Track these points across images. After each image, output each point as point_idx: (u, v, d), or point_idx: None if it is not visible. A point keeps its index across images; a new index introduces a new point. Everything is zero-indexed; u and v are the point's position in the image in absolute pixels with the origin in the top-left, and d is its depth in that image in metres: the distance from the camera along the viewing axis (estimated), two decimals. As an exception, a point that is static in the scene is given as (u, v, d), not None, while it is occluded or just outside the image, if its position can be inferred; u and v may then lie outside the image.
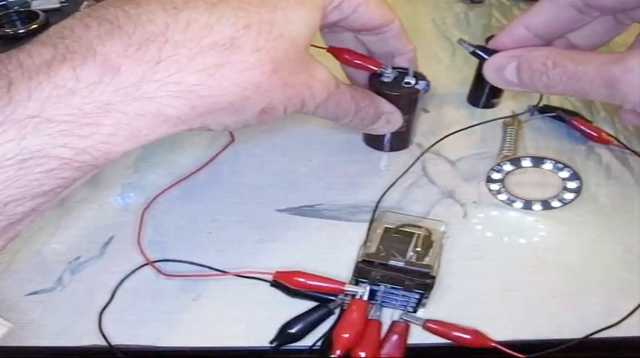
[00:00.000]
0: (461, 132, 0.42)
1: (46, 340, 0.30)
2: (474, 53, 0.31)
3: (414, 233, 0.32)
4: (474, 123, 0.43)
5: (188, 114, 0.23)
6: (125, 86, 0.21)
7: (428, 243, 0.32)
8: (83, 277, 0.33)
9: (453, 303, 0.31)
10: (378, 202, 0.37)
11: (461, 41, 0.32)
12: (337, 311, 0.30)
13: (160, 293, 0.32)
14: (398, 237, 0.32)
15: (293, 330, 0.29)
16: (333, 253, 0.34)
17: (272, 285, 0.32)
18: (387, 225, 0.33)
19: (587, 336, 0.29)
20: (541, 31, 0.29)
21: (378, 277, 0.30)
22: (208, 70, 0.22)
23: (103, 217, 0.37)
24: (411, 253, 0.31)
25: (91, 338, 0.30)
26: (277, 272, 0.31)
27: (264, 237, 0.35)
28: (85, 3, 0.60)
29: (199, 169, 0.40)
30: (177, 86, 0.22)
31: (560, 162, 0.34)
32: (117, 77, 0.21)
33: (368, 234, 0.34)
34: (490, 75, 0.30)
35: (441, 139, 0.41)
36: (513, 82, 0.29)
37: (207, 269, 0.33)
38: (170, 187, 0.39)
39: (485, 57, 0.30)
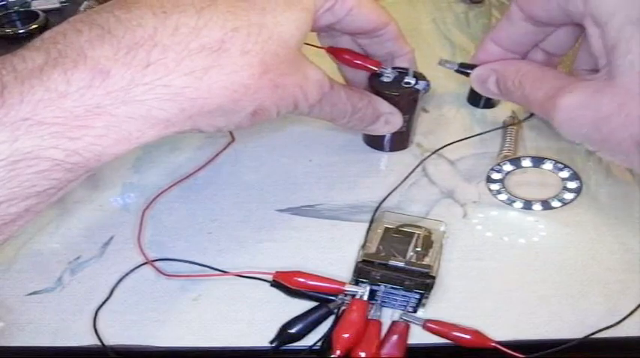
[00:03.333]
0: (461, 132, 0.42)
1: (46, 340, 0.30)
2: (458, 71, 0.33)
3: (414, 233, 0.32)
4: (476, 126, 0.43)
5: (178, 116, 0.23)
6: (115, 89, 0.21)
7: (428, 243, 0.32)
8: (83, 277, 0.33)
9: (453, 303, 0.31)
10: (381, 203, 0.37)
11: (443, 61, 0.33)
12: (337, 311, 0.30)
13: (159, 292, 0.32)
14: (398, 237, 0.32)
15: (293, 330, 0.29)
16: (333, 253, 0.34)
17: (272, 285, 0.32)
18: (387, 225, 0.33)
19: (587, 336, 0.29)
20: (508, 46, 0.29)
21: (378, 277, 0.30)
22: (196, 73, 0.23)
23: (103, 217, 0.37)
24: (411, 253, 0.31)
25: (90, 339, 0.30)
26: (277, 272, 0.31)
27: (264, 237, 0.35)
28: (85, 3, 0.59)
29: (199, 169, 0.40)
30: (166, 89, 0.22)
31: (560, 162, 0.33)
32: (107, 81, 0.21)
33: (367, 235, 0.34)
34: (476, 87, 0.31)
35: (449, 144, 0.41)
36: (497, 93, 0.30)
37: (207, 269, 0.33)
38: (170, 187, 0.39)
39: (470, 72, 0.31)
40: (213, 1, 0.24)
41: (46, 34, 0.22)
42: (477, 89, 0.31)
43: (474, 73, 0.30)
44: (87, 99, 0.21)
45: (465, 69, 0.32)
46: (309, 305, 0.30)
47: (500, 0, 0.62)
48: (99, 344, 0.29)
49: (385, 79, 0.36)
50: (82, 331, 0.30)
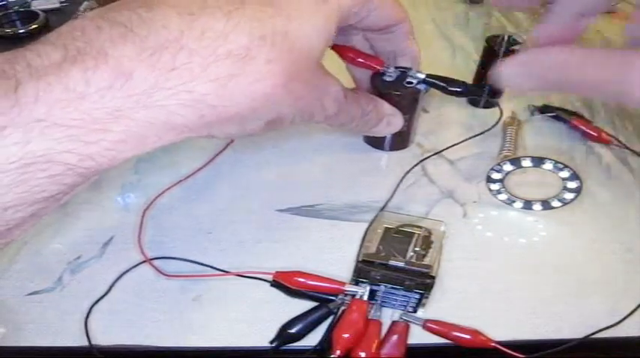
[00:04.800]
0: (461, 132, 0.42)
1: (46, 340, 0.30)
2: (424, 81, 0.35)
3: (414, 233, 0.32)
4: (476, 126, 0.43)
5: (195, 122, 0.23)
6: (137, 93, 0.20)
7: (428, 243, 0.32)
8: (83, 277, 0.33)
9: (453, 303, 0.31)
10: (383, 206, 0.37)
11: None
12: (337, 311, 0.30)
13: (159, 292, 0.32)
14: (398, 237, 0.32)
15: (293, 330, 0.29)
16: (333, 253, 0.34)
17: (272, 285, 0.32)
18: (387, 225, 0.33)
19: (587, 336, 0.29)
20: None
21: (378, 277, 0.30)
22: (221, 80, 0.22)
23: (103, 217, 0.37)
24: (411, 253, 0.31)
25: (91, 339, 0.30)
26: (277, 272, 0.31)
27: (265, 237, 0.35)
28: (85, 3, 0.59)
29: (199, 169, 0.40)
30: (189, 95, 0.21)
31: (560, 162, 0.33)
32: (129, 83, 0.20)
33: (366, 234, 0.34)
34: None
35: (451, 146, 0.41)
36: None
37: (207, 268, 0.33)
38: (170, 187, 0.39)
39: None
40: (241, 4, 0.23)
41: (62, 28, 0.21)
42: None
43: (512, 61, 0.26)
44: (107, 102, 0.20)
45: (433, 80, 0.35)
46: (309, 305, 0.30)
47: (501, 0, 0.62)
48: (99, 344, 0.29)
49: (387, 79, 0.36)
50: (83, 331, 0.30)
